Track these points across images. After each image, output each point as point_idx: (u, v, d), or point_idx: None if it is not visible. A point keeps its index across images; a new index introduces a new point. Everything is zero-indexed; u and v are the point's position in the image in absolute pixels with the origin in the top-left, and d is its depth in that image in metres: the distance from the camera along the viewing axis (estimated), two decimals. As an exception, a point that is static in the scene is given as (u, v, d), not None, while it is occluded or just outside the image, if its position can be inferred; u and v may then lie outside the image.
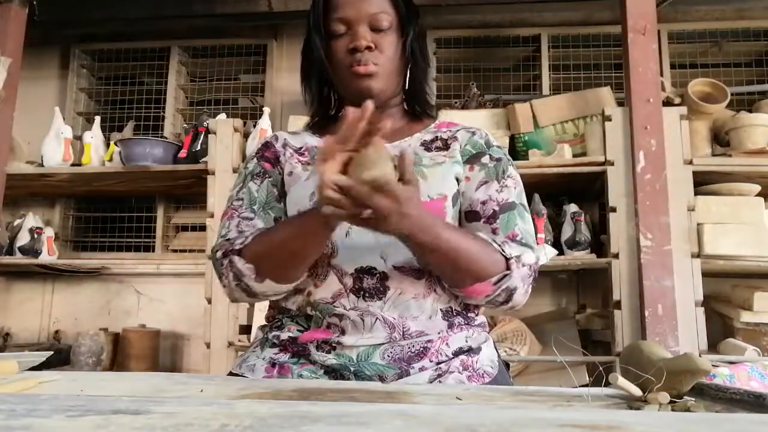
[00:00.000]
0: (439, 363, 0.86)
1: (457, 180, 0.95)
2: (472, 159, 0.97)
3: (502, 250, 0.85)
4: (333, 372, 0.85)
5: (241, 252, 0.87)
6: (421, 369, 0.85)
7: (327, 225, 0.79)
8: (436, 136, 1.00)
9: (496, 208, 0.92)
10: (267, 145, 1.03)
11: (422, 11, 1.03)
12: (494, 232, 0.91)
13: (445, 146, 0.98)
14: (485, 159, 0.97)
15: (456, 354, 0.88)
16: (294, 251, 0.84)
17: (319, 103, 1.04)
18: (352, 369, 0.84)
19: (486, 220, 0.92)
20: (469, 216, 0.94)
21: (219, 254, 0.90)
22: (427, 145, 0.98)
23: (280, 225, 0.92)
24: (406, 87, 1.01)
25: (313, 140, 1.02)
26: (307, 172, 0.95)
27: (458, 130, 1.01)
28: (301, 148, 1.01)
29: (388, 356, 0.85)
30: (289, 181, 0.97)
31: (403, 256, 0.87)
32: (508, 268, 0.85)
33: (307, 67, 1.02)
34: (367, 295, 0.86)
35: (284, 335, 0.90)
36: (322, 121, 1.05)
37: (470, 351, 0.90)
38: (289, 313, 0.93)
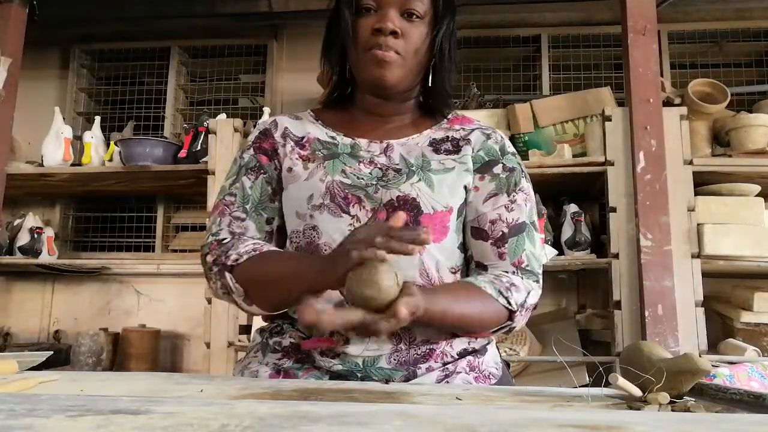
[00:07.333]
0: (445, 363, 0.86)
1: (466, 189, 0.91)
2: (483, 167, 0.92)
3: (508, 302, 0.84)
4: (339, 377, 0.83)
5: (233, 270, 0.84)
6: (428, 369, 0.84)
7: (332, 284, 0.75)
8: (447, 135, 0.95)
9: (505, 230, 0.89)
10: (265, 134, 0.97)
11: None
12: (501, 256, 0.89)
13: (456, 149, 0.93)
14: (497, 168, 0.92)
15: (461, 355, 0.88)
16: (287, 291, 0.80)
17: (338, 80, 0.98)
18: (359, 375, 0.82)
19: (494, 242, 0.89)
20: (475, 233, 0.91)
21: (209, 260, 0.87)
22: (436, 145, 0.93)
23: (280, 259, 0.86)
24: (429, 84, 0.94)
25: (315, 129, 0.96)
26: (307, 171, 0.90)
27: (473, 131, 0.95)
28: (302, 138, 0.95)
29: (395, 360, 0.83)
30: (288, 178, 0.91)
31: (403, 271, 0.85)
32: (510, 318, 0.85)
33: (329, 41, 0.96)
34: None
35: (286, 341, 0.87)
36: (327, 109, 1.00)
37: (475, 352, 0.90)
38: (289, 319, 0.89)
